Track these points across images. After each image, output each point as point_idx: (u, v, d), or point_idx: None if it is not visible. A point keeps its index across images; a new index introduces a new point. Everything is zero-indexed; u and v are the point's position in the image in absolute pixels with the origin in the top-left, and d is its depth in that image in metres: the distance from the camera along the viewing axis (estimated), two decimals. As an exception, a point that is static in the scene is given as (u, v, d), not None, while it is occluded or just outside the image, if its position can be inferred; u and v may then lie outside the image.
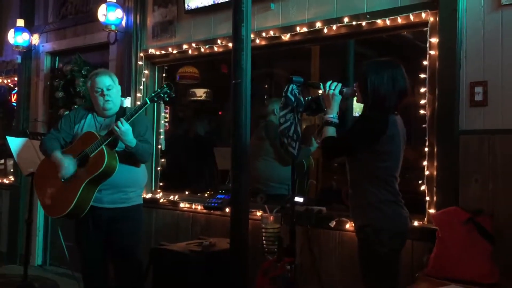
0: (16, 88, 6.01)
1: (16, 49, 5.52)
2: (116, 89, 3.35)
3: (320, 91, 2.69)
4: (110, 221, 3.26)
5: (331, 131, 2.59)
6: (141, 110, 3.14)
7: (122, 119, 3.06)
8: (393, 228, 2.49)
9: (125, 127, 3.04)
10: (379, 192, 2.49)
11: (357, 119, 2.61)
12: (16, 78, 5.92)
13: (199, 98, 6.56)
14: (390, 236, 2.47)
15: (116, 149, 3.16)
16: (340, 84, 2.65)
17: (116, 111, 3.34)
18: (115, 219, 3.25)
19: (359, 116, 2.60)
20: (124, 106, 3.62)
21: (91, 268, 3.36)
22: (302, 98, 2.89)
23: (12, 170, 5.84)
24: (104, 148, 3.09)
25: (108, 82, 3.29)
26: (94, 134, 3.18)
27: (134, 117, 3.11)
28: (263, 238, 3.17)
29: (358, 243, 2.56)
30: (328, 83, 2.65)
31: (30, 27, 5.62)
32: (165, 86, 3.17)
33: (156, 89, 3.19)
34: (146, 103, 3.14)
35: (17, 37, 5.45)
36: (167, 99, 3.18)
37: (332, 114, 2.62)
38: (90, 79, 3.35)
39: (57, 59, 5.64)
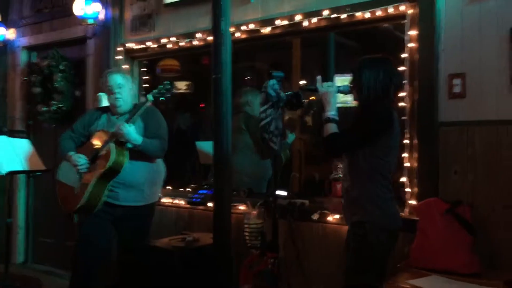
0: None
1: (-9, 44, 5.43)
2: (128, 88, 3.43)
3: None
4: (122, 218, 3.35)
5: (333, 128, 2.58)
6: (142, 109, 3.21)
7: (122, 122, 3.16)
8: (391, 226, 2.54)
9: (126, 129, 3.13)
10: (378, 189, 2.52)
11: (361, 114, 2.59)
12: (-8, 73, 5.81)
13: (180, 91, 6.50)
14: (388, 234, 2.52)
15: (128, 146, 3.23)
16: (334, 83, 2.68)
17: (129, 109, 3.40)
18: (127, 217, 3.34)
19: (363, 111, 2.58)
20: (103, 103, 3.62)
21: (86, 249, 3.36)
22: (282, 93, 2.88)
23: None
24: (111, 145, 3.18)
25: (119, 81, 3.37)
26: (106, 132, 3.29)
27: (135, 116, 3.21)
28: (246, 234, 3.18)
29: (355, 238, 2.56)
30: (324, 83, 2.67)
31: (5, 21, 5.51)
32: (166, 83, 3.24)
33: (158, 87, 3.29)
34: (148, 100, 3.20)
35: (-8, 32, 5.35)
36: (168, 96, 3.25)
37: (333, 112, 2.61)
38: (103, 77, 3.46)
39: (33, 54, 5.54)
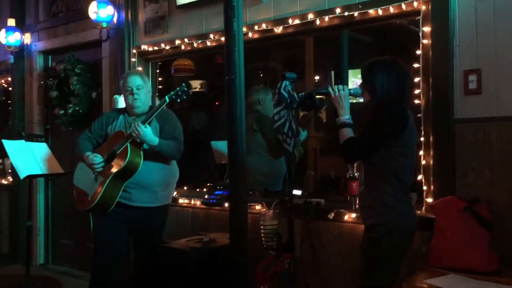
0: (10, 88, 5.98)
1: (8, 49, 5.50)
2: (147, 89, 3.47)
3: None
4: (136, 220, 3.37)
5: (349, 132, 2.56)
6: (160, 109, 3.22)
7: (138, 122, 3.17)
8: (405, 229, 2.51)
9: (142, 130, 3.14)
10: (395, 192, 2.49)
11: (374, 117, 2.54)
12: (9, 78, 5.89)
13: (195, 90, 6.50)
14: (402, 238, 2.49)
15: (145, 147, 3.26)
16: (346, 86, 2.63)
17: (145, 110, 3.42)
18: (141, 218, 3.36)
19: (376, 113, 2.53)
20: (119, 105, 3.64)
21: (104, 255, 3.39)
22: (295, 94, 2.88)
23: (10, 170, 5.83)
24: (128, 145, 3.22)
25: (139, 82, 3.41)
26: (123, 133, 3.32)
27: (152, 117, 3.21)
28: (262, 235, 3.18)
29: (367, 241, 2.55)
30: (336, 86, 2.63)
31: (21, 26, 5.58)
32: (183, 85, 3.26)
33: (176, 88, 3.29)
34: (165, 101, 3.21)
35: (9, 37, 5.42)
36: (185, 97, 3.26)
37: (347, 115, 2.59)
38: (122, 79, 3.52)
39: (50, 58, 5.61)
